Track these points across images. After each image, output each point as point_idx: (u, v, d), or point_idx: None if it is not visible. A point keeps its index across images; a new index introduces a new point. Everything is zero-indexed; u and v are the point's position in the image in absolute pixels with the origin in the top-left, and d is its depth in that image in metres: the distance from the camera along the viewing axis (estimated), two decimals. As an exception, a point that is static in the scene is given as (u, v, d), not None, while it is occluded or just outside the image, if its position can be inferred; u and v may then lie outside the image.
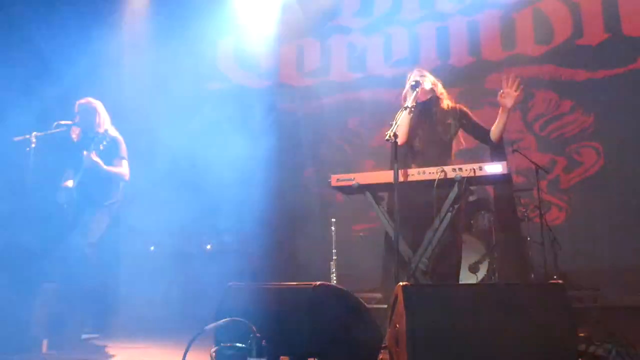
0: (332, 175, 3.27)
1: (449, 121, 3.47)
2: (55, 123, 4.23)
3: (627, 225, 5.43)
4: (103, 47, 6.69)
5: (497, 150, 3.49)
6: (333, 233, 4.95)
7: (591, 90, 5.89)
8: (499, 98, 3.31)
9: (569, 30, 6.09)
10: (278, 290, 2.56)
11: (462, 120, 3.50)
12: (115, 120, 4.42)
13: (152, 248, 5.91)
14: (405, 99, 3.43)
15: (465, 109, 3.57)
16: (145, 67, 7.23)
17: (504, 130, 3.38)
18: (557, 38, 6.14)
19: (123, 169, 4.20)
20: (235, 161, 6.94)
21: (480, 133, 3.48)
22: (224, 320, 2.27)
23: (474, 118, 3.53)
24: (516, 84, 3.28)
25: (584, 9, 6.07)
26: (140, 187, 6.86)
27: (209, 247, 5.80)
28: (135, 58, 7.19)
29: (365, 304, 2.48)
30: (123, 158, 4.21)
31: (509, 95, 3.27)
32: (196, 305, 5.14)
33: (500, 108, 3.33)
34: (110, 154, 4.15)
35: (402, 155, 3.36)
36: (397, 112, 3.27)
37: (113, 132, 4.28)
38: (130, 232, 6.58)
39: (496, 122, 3.38)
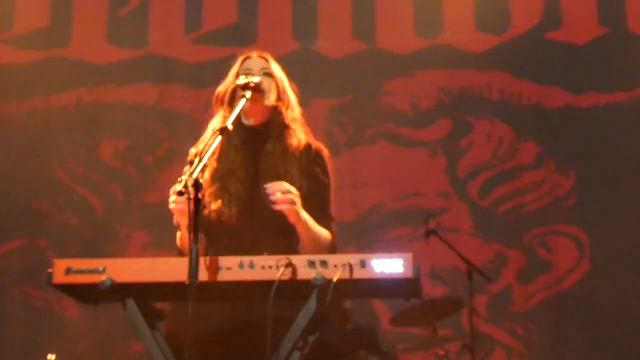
0: (57, 261, 1.87)
1: (294, 170, 2.24)
2: None
3: None
4: None
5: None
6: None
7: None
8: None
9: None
10: None
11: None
12: None
13: None
14: (220, 103, 2.27)
15: (324, 154, 2.34)
16: None
17: (308, 247, 2.16)
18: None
19: None
20: None
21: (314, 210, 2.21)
22: None
23: (326, 179, 2.29)
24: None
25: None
26: None
27: None
28: None
29: None
30: None
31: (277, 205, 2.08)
32: None
33: None
34: None
35: (206, 224, 2.06)
36: (199, 138, 2.24)
37: None
38: None
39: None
